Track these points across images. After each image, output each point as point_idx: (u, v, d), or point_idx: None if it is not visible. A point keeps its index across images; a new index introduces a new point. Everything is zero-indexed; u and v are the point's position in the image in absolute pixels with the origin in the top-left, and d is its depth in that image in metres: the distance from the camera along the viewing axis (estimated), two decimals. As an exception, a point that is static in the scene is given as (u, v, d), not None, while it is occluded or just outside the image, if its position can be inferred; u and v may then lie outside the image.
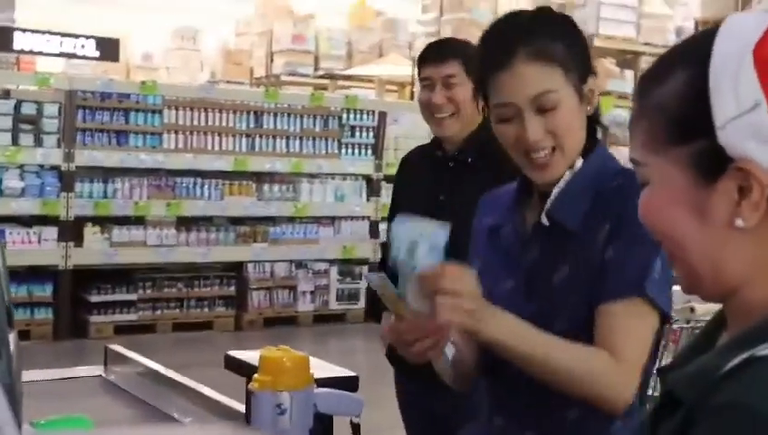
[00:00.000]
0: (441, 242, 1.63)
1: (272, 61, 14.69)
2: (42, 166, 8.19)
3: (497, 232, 1.91)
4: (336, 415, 1.91)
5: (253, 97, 9.65)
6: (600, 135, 1.90)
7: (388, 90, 13.88)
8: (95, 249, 8.32)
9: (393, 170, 3.31)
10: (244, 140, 9.04)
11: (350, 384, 2.09)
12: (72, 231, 8.20)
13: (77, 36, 14.20)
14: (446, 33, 11.25)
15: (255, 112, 9.13)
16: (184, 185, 8.73)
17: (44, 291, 8.14)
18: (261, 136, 9.12)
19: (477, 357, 1.88)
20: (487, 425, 1.90)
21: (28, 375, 1.52)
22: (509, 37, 1.78)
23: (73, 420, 1.83)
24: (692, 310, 2.98)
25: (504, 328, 1.65)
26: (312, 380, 1.86)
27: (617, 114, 9.26)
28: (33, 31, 13.85)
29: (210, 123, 8.89)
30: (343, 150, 9.50)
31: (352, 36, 14.93)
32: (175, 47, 17.07)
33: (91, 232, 8.31)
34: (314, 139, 9.37)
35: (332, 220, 9.44)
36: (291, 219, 9.24)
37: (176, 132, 8.71)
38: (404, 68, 12.84)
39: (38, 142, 8.13)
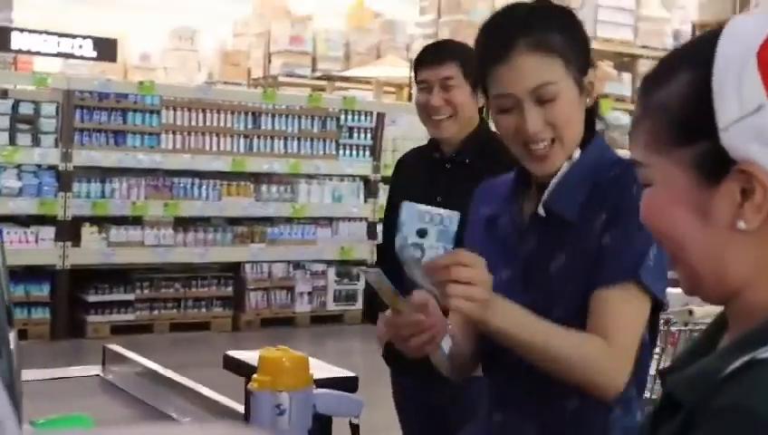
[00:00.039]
0: (452, 228, 1.61)
1: (269, 62, 14.67)
2: (39, 166, 8.19)
3: (494, 222, 1.91)
4: (335, 416, 1.91)
5: (250, 98, 9.65)
6: (598, 128, 1.90)
7: (385, 91, 13.89)
8: (92, 249, 8.31)
9: (391, 172, 3.31)
10: (241, 140, 9.03)
11: (349, 385, 2.09)
12: (69, 231, 8.20)
13: (75, 36, 14.20)
14: (444, 34, 11.25)
15: (253, 113, 9.13)
16: (181, 185, 8.72)
17: (42, 291, 8.13)
18: (259, 137, 9.12)
19: (474, 348, 1.88)
20: (487, 422, 1.90)
21: (25, 375, 1.51)
22: (508, 29, 1.78)
23: (74, 419, 1.83)
24: (690, 312, 2.97)
25: (508, 317, 1.65)
26: (312, 380, 1.86)
27: (615, 117, 9.27)
28: (30, 31, 13.85)
29: (208, 124, 8.89)
30: (341, 152, 9.50)
31: (350, 38, 14.92)
32: (172, 47, 17.06)
33: (88, 232, 8.31)
34: (312, 140, 9.37)
35: (330, 221, 9.44)
36: (288, 220, 9.24)
37: (173, 133, 8.71)
38: (402, 69, 12.84)
39: (35, 142, 8.13)
